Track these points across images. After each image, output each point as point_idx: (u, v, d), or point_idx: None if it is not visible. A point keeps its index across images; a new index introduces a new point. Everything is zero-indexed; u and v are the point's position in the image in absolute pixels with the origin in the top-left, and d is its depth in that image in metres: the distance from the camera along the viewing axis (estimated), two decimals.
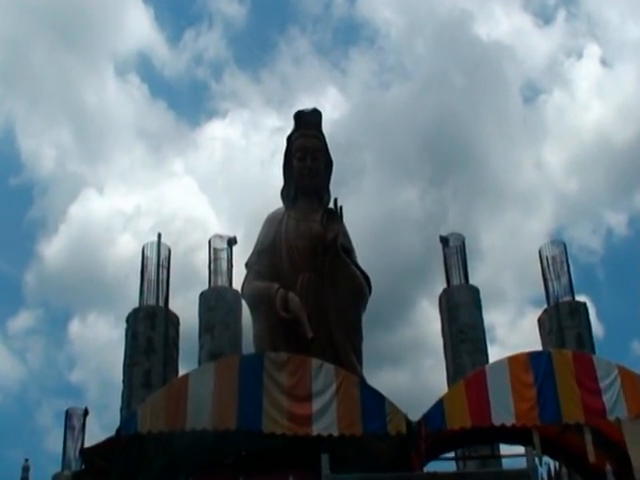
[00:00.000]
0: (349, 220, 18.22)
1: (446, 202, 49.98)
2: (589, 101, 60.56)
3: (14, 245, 58.02)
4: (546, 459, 14.82)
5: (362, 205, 46.56)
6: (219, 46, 66.67)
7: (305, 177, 18.41)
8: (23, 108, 60.45)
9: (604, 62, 64.97)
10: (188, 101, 67.64)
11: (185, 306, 27.06)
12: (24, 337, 55.98)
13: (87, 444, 16.50)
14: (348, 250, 17.87)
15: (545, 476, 14.78)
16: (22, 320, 56.61)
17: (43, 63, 58.53)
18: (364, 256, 19.09)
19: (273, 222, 18.38)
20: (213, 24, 67.18)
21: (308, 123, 18.67)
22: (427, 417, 13.60)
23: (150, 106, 64.57)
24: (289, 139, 18.83)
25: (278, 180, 19.18)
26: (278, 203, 19.06)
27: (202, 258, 26.87)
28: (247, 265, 18.36)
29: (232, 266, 25.53)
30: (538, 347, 24.13)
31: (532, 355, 14.40)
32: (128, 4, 63.22)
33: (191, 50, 65.34)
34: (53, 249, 57.62)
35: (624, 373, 14.13)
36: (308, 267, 17.23)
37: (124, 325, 24.41)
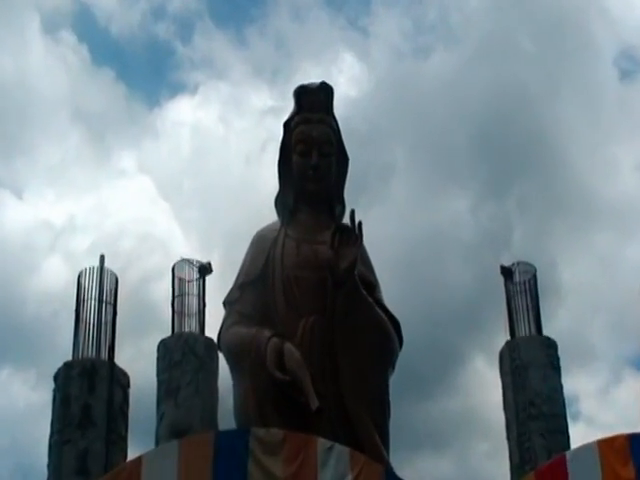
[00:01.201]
0: (372, 241, 18.16)
1: (510, 218, 49.67)
2: None
3: None
4: None
5: (391, 220, 46.35)
6: None
7: (309, 180, 18.18)
8: None
9: None
10: (144, 70, 67.55)
11: (138, 360, 27.03)
12: None
13: None
14: (370, 284, 17.66)
15: None
16: None
17: None
18: (393, 292, 19.26)
19: (264, 243, 18.16)
20: None
21: (314, 103, 18.44)
22: None
23: (91, 77, 64.50)
24: (287, 126, 18.61)
25: (271, 183, 19.09)
26: (271, 216, 18.87)
27: (163, 292, 26.82)
28: (226, 303, 18.12)
29: (204, 304, 25.59)
30: None
31: (633, 438, 14.21)
32: None
33: None
34: None
35: None
36: (313, 308, 17.09)
37: (51, 386, 24.35)
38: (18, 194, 64.42)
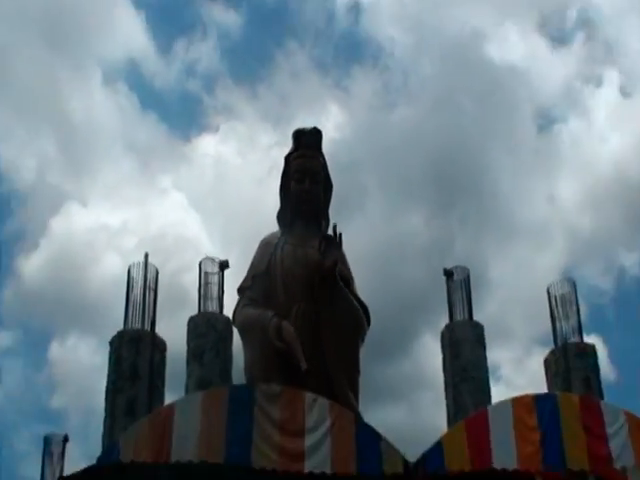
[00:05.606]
0: (350, 246, 18.20)
1: (453, 231, 50.37)
2: (606, 132, 60.99)
3: None
4: None
5: (364, 230, 46.93)
6: (212, 57, 67.07)
7: (303, 201, 18.27)
8: (5, 115, 60.56)
9: (624, 91, 65.45)
10: (179, 114, 67.95)
11: (172, 331, 27.12)
12: (0, 358, 55.62)
13: (66, 472, 16.31)
14: (347, 279, 17.76)
15: None
16: None
17: (28, 67, 58.86)
18: (365, 284, 19.15)
19: (269, 246, 18.24)
20: (207, 33, 67.80)
21: (308, 143, 18.58)
22: (425, 458, 13.63)
23: (140, 118, 64.86)
24: (287, 159, 18.71)
25: (274, 201, 19.17)
26: (274, 226, 18.97)
27: (192, 280, 26.96)
28: (240, 290, 18.24)
29: (223, 292, 25.55)
30: (544, 389, 24.19)
31: (537, 398, 14.43)
32: (118, 7, 63.67)
33: (183, 60, 65.73)
34: (32, 265, 57.51)
35: (632, 419, 14.16)
36: (303, 296, 17.14)
37: (107, 349, 24.39)
38: (84, 204, 64.60)
